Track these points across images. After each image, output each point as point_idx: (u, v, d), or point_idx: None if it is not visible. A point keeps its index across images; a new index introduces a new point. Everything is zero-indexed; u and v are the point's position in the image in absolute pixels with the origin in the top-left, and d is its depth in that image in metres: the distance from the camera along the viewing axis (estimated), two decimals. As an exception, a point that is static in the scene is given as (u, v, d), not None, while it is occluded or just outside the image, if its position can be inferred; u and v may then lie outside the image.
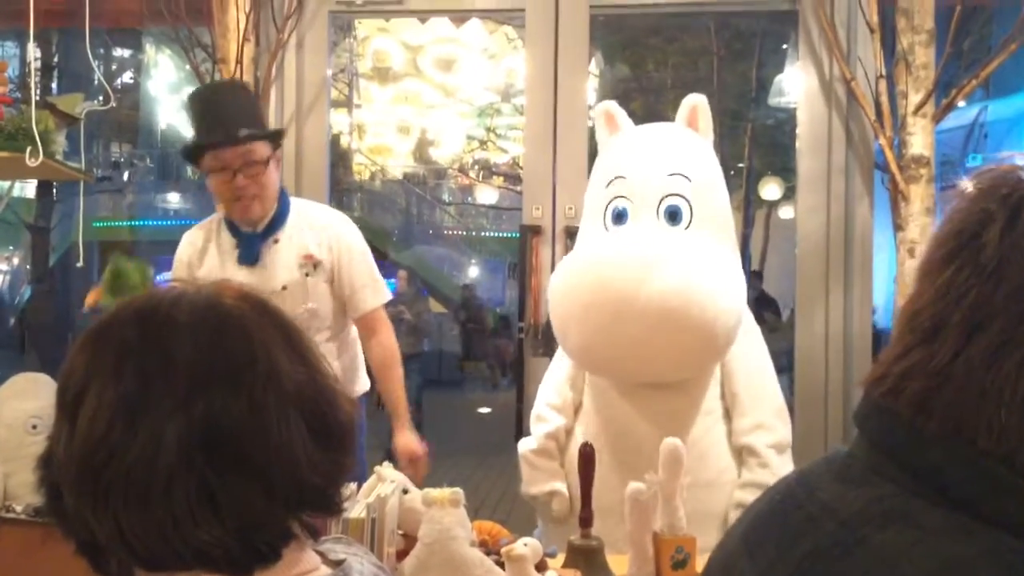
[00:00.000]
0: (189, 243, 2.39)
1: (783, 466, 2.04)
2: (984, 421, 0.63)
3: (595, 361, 2.11)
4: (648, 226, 2.08)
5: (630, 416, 2.13)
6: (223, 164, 2.20)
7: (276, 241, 2.30)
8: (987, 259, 0.64)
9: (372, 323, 2.40)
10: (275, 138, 2.32)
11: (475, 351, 11.78)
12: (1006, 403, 0.62)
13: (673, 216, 2.08)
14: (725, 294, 1.97)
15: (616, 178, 2.16)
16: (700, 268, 1.96)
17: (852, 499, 0.67)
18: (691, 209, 2.08)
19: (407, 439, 2.40)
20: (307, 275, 2.30)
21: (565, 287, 2.05)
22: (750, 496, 2.02)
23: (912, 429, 0.66)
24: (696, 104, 2.22)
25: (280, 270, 2.29)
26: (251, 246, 2.29)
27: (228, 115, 2.23)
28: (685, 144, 2.20)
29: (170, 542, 0.72)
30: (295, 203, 2.38)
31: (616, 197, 2.14)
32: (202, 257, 2.35)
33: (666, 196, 2.10)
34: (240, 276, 2.23)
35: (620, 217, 2.13)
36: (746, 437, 2.08)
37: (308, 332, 2.25)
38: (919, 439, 0.66)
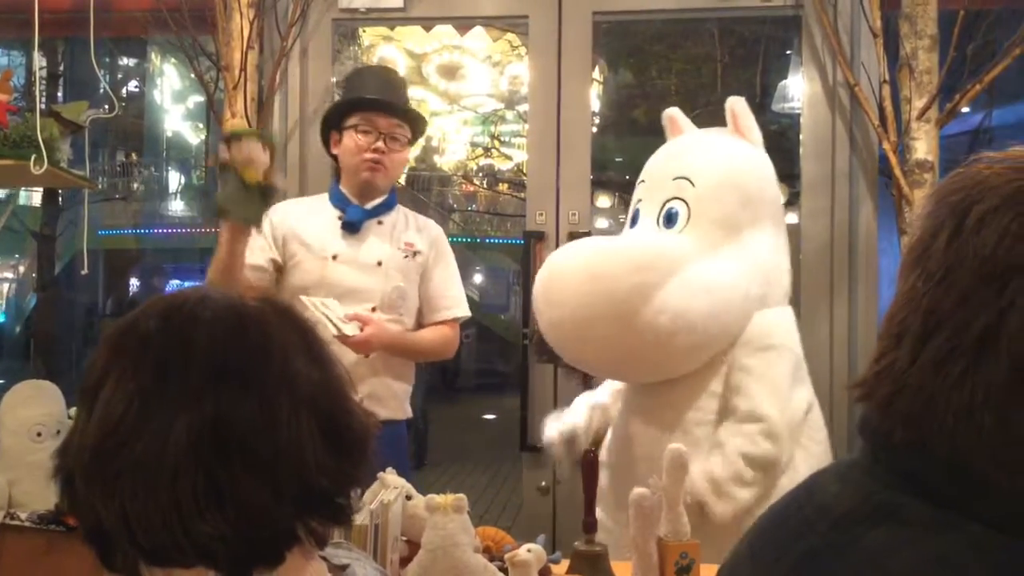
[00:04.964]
0: (281, 211, 2.37)
1: (752, 483, 1.92)
2: (935, 427, 0.63)
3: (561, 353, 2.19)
4: (643, 228, 2.15)
5: (626, 416, 2.19)
6: (372, 126, 2.34)
7: (380, 223, 2.40)
8: (935, 267, 0.65)
9: (448, 331, 2.46)
10: (420, 130, 2.48)
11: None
12: (953, 410, 0.62)
13: (669, 219, 2.12)
14: (649, 287, 1.94)
15: (640, 181, 2.26)
16: (622, 263, 1.97)
17: (845, 498, 0.68)
18: (689, 212, 2.09)
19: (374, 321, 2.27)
20: (405, 257, 2.38)
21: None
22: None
23: (882, 435, 0.66)
24: (729, 107, 2.23)
25: (379, 246, 2.37)
26: (356, 217, 2.36)
27: (393, 90, 2.41)
28: (707, 147, 2.21)
29: (172, 532, 0.73)
30: (400, 206, 2.48)
31: (637, 200, 2.23)
32: (293, 221, 2.37)
33: (669, 200, 2.13)
34: (338, 243, 2.33)
35: (635, 219, 2.21)
36: (724, 433, 1.99)
37: (393, 314, 2.23)
38: (890, 445, 0.66)
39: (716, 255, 2.06)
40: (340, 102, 2.42)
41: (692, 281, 1.99)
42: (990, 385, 0.61)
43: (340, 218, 2.37)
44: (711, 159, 2.17)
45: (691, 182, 2.11)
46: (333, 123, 2.40)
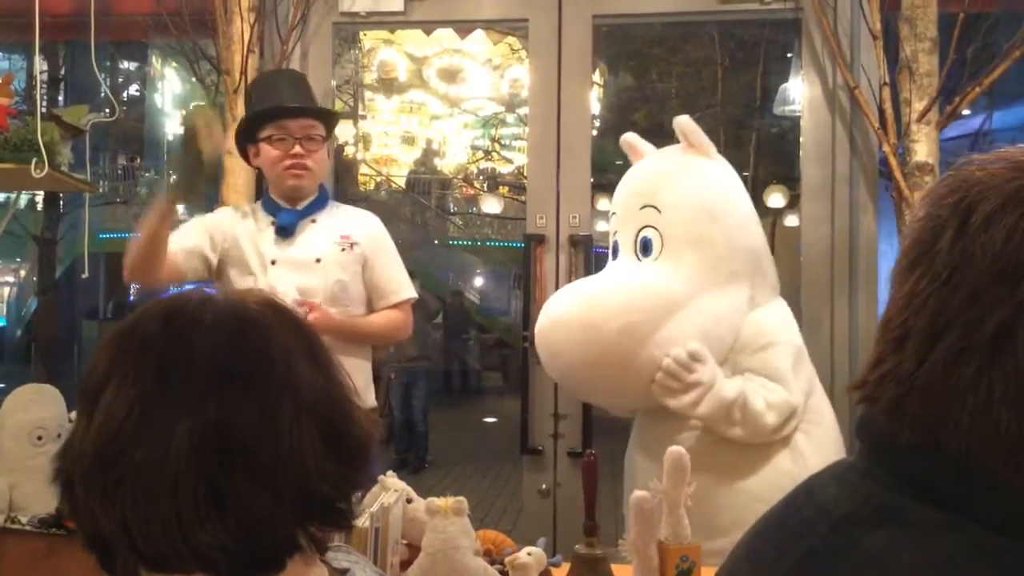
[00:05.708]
0: (220, 214, 2.49)
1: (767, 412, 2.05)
2: (950, 427, 0.62)
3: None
4: (623, 262, 2.22)
5: (643, 420, 2.33)
6: (286, 133, 2.35)
7: (313, 221, 2.42)
8: (941, 267, 0.64)
9: (397, 314, 2.49)
10: (333, 123, 2.51)
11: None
12: (969, 410, 0.62)
13: (645, 249, 2.18)
14: (611, 319, 2.03)
15: (612, 214, 2.32)
16: (585, 303, 2.10)
17: (844, 500, 0.68)
18: (662, 239, 2.13)
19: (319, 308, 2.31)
20: (342, 250, 2.40)
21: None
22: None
23: (888, 437, 0.66)
24: (677, 127, 2.26)
25: (316, 244, 2.39)
26: (289, 220, 2.39)
27: (298, 91, 2.43)
28: (665, 172, 2.25)
29: (172, 539, 0.72)
30: (332, 201, 2.52)
31: (614, 232, 2.29)
32: (233, 226, 2.41)
33: (641, 229, 2.19)
34: (274, 249, 2.37)
35: (615, 251, 2.27)
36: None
37: (338, 307, 2.31)
38: (895, 447, 0.66)
39: (695, 275, 2.12)
40: (249, 116, 2.43)
41: (678, 310, 2.07)
42: (1008, 381, 0.60)
43: (273, 224, 2.40)
44: (672, 183, 2.23)
45: (657, 209, 2.18)
46: (248, 137, 2.42)
